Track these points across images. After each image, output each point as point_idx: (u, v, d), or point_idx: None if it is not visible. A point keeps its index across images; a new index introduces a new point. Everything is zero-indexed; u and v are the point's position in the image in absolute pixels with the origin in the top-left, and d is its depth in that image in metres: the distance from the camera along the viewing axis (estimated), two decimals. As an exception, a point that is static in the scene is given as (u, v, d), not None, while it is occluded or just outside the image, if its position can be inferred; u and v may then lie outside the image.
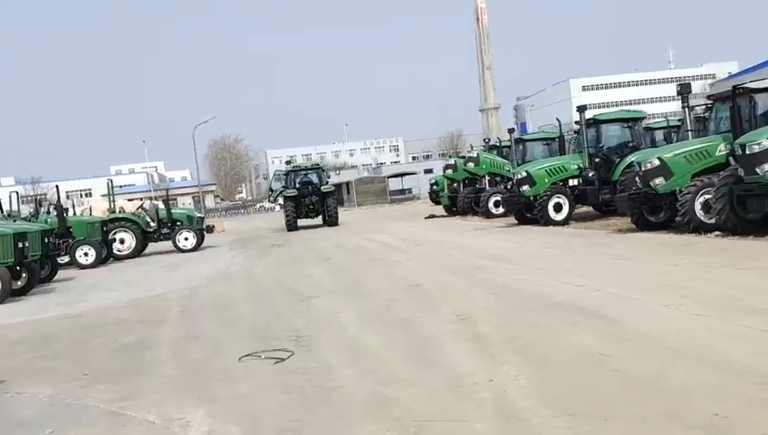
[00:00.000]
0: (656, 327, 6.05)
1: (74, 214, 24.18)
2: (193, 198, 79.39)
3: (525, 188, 18.00)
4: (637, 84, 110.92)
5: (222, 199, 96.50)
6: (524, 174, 18.16)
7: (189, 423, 4.90)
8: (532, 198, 17.89)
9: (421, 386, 5.14)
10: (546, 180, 17.81)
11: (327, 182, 29.43)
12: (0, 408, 5.80)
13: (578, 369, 5.15)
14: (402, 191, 57.37)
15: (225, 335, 7.88)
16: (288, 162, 34.28)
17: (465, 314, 7.44)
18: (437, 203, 34.76)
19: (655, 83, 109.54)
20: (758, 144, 10.58)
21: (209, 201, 77.62)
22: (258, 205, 78.60)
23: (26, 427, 5.24)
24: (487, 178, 24.85)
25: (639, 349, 5.47)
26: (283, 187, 28.75)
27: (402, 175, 60.24)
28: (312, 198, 28.16)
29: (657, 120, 23.71)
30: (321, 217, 28.71)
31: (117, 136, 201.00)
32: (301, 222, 27.86)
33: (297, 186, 28.54)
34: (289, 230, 26.93)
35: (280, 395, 5.28)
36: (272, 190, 30.83)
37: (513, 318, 7.12)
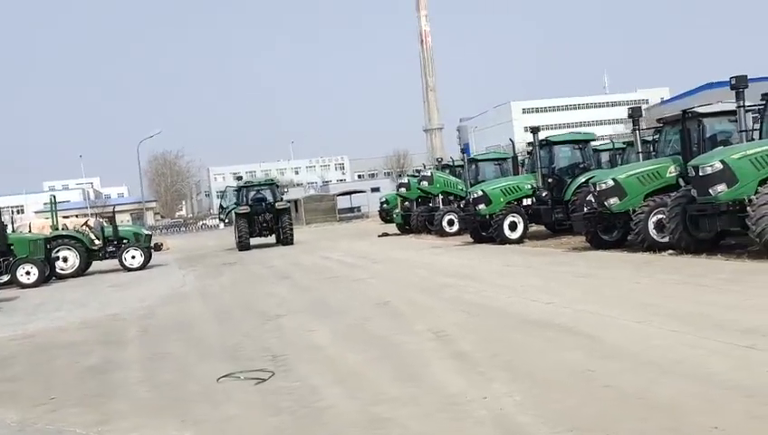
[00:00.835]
0: (634, 343, 6.19)
1: (13, 231, 23.14)
2: (131, 214, 77.22)
3: (481, 206, 18.25)
4: (575, 108, 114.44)
5: (162, 217, 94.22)
6: (480, 193, 18.42)
7: (177, 447, 4.73)
8: (487, 216, 18.15)
9: (414, 404, 5.10)
10: (501, 200, 18.11)
11: (281, 199, 28.03)
12: (-35, 435, 5.47)
13: (567, 385, 5.21)
14: (351, 209, 57.32)
15: (194, 356, 7.67)
16: (239, 178, 31.51)
17: (441, 332, 7.45)
18: (387, 221, 34.86)
19: (591, 107, 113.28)
20: (711, 166, 11.02)
21: (149, 218, 75.60)
22: (200, 222, 76.98)
23: (-1, 455, 4.95)
24: (441, 196, 25.09)
25: (623, 365, 5.57)
26: (235, 203, 27.31)
27: (351, 193, 60.26)
28: (265, 216, 26.82)
29: (602, 142, 24.45)
30: (274, 235, 27.55)
31: (49, 151, 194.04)
32: (253, 241, 26.66)
33: (250, 202, 27.02)
34: (241, 249, 25.69)
35: (269, 417, 5.16)
36: (222, 207, 29.20)
37: (490, 336, 7.16)
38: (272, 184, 28.97)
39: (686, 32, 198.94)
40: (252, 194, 27.64)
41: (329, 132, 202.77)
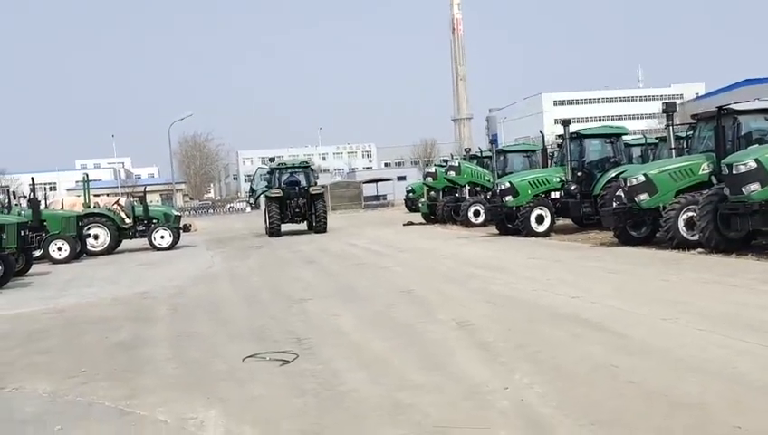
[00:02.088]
0: (660, 341, 6.15)
1: (46, 207, 23.66)
2: (161, 195, 78.29)
3: (508, 198, 18.16)
4: (607, 101, 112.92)
5: (191, 198, 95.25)
6: (508, 185, 18.32)
7: (204, 423, 4.83)
8: (514, 208, 18.06)
9: (436, 392, 5.14)
10: (529, 192, 17.99)
11: (316, 183, 25.71)
12: (0, 404, 5.64)
13: (591, 379, 5.20)
14: (377, 197, 57.38)
15: (221, 336, 7.79)
16: (272, 159, 27.93)
17: (466, 322, 7.48)
18: (413, 210, 34.84)
19: (624, 101, 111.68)
20: (744, 164, 10.85)
21: (178, 200, 76.54)
22: (228, 205, 77.84)
23: (32, 423, 5.11)
24: (467, 187, 24.99)
25: (648, 362, 5.55)
26: (266, 186, 25.36)
27: (377, 181, 60.31)
28: (298, 201, 24.83)
29: (633, 136, 24.13)
30: (306, 222, 25.73)
31: (81, 130, 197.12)
32: (283, 227, 24.71)
33: (282, 186, 24.99)
34: (271, 236, 23.89)
35: (293, 398, 5.24)
36: (252, 190, 26.77)
37: (515, 327, 7.16)
38: (306, 166, 26.58)
39: (722, 26, 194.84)
40: (285, 177, 25.64)
41: (357, 119, 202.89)
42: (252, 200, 28.97)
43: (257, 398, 5.31)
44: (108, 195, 49.02)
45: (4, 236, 14.15)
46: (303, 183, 25.45)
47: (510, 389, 5.07)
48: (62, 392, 5.81)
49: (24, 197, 26.47)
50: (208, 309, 9.70)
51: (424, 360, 6.10)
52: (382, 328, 7.56)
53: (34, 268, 16.61)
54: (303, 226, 26.37)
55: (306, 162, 27.58)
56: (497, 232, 19.22)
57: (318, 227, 24.85)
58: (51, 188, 75.51)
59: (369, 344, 6.86)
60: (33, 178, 20.36)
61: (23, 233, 15.29)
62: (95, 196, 35.23)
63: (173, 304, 10.31)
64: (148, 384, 5.92)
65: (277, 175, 25.64)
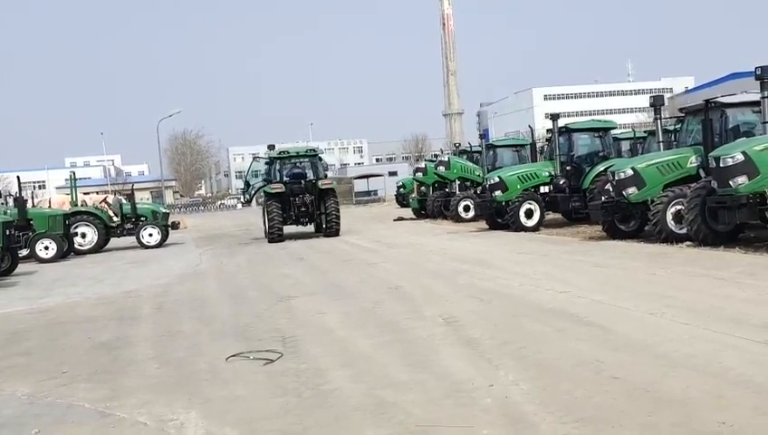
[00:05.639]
0: (646, 335, 6.12)
1: (33, 206, 23.46)
2: (151, 193, 77.90)
3: (498, 193, 18.14)
4: (597, 95, 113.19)
5: (181, 195, 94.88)
6: (497, 179, 18.31)
7: (184, 425, 4.77)
8: (503, 203, 18.04)
9: (419, 390, 5.09)
10: (518, 186, 17.98)
11: (326, 175, 21.11)
12: (-23, 406, 5.55)
13: (576, 375, 5.16)
14: (368, 193, 57.28)
15: (206, 335, 7.72)
16: (271, 146, 22.37)
17: (452, 318, 7.43)
18: (404, 206, 34.78)
19: (614, 95, 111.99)
20: (732, 157, 10.83)
21: (169, 197, 76.17)
22: (219, 202, 77.69)
23: (9, 427, 5.02)
24: (457, 182, 24.94)
25: (634, 357, 5.51)
26: (264, 180, 21.16)
27: (368, 176, 60.19)
28: (304, 198, 20.20)
29: (622, 130, 24.14)
30: (314, 223, 21.20)
31: (71, 127, 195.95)
32: (286, 229, 20.35)
33: (285, 179, 20.40)
34: (271, 241, 19.54)
35: (275, 397, 5.17)
36: (248, 185, 22.13)
37: (501, 323, 7.11)
38: (314, 155, 21.31)
39: (713, 19, 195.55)
40: (288, 168, 20.97)
41: (348, 115, 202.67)
42: (247, 197, 23.54)
43: (239, 398, 5.24)
44: (97, 193, 48.71)
45: (-11, 236, 14.00)
46: (311, 176, 20.81)
47: (494, 386, 5.02)
48: (42, 394, 5.73)
49: (11, 195, 26.27)
50: (194, 307, 9.62)
51: (409, 357, 6.04)
52: (368, 325, 7.50)
53: (21, 268, 16.49)
54: (310, 228, 21.95)
55: (314, 150, 21.94)
56: (487, 227, 19.21)
57: (329, 229, 20.20)
58: (40, 187, 75.06)
59: (354, 342, 6.80)
60: (18, 177, 20.17)
61: (8, 232, 15.16)
62: (85, 194, 34.94)
63: (159, 303, 10.22)
64: (130, 385, 5.85)
65: (278, 166, 20.83)
